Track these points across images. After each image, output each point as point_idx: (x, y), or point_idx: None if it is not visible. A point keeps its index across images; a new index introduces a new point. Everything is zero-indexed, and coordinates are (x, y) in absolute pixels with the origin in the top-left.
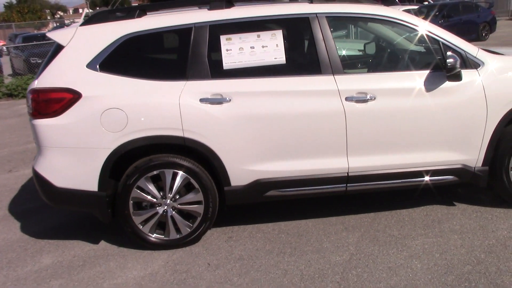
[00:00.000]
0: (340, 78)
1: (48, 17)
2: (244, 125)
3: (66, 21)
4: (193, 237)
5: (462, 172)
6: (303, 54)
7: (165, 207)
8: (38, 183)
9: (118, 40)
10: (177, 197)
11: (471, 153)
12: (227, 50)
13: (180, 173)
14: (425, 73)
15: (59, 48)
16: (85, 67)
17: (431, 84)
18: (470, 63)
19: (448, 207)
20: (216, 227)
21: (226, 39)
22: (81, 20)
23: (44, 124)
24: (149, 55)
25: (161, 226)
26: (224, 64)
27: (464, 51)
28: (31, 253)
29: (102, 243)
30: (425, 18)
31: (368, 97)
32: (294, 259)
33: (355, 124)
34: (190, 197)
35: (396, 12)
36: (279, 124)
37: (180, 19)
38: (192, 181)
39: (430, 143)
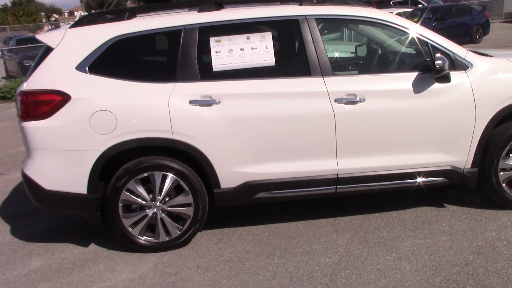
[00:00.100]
0: (329, 80)
1: (43, 20)
2: (233, 127)
3: (62, 24)
4: (183, 239)
5: (451, 174)
6: (292, 56)
7: (155, 210)
8: (27, 185)
9: (108, 42)
10: (167, 200)
11: (460, 155)
12: (216, 52)
13: (170, 175)
14: (414, 75)
15: (48, 50)
16: (74, 69)
17: (420, 86)
18: (459, 65)
19: (438, 208)
20: (207, 229)
21: (216, 41)
22: None
23: (33, 126)
24: (138, 57)
25: (151, 228)
26: (213, 66)
27: (453, 53)
28: (21, 256)
29: (92, 245)
30: (419, 21)
31: (357, 98)
32: (283, 261)
33: (345, 125)
34: (180, 199)
35: (385, 15)
36: (268, 126)
37: (169, 21)
38: (182, 183)
39: (419, 145)
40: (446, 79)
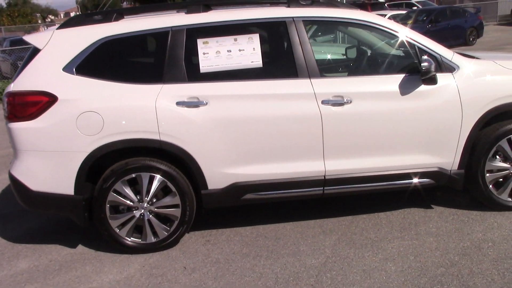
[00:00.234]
0: (316, 81)
1: (39, 21)
2: (221, 129)
3: (57, 25)
4: (171, 240)
5: (438, 175)
6: (280, 58)
7: (142, 211)
8: (14, 187)
9: (95, 43)
10: (154, 201)
11: (447, 156)
12: (204, 53)
13: (157, 176)
14: (401, 76)
15: (35, 51)
16: (61, 70)
17: (406, 88)
18: (446, 67)
19: (425, 210)
20: (195, 230)
21: (203, 43)
22: None
23: (20, 127)
24: (126, 58)
25: (138, 229)
26: (201, 68)
27: (439, 55)
28: (8, 258)
29: (80, 247)
30: (413, 23)
31: (344, 100)
32: (270, 262)
33: (332, 127)
34: (167, 200)
35: (372, 17)
36: (256, 128)
37: (157, 22)
38: (169, 184)
39: (406, 146)
40: (432, 81)
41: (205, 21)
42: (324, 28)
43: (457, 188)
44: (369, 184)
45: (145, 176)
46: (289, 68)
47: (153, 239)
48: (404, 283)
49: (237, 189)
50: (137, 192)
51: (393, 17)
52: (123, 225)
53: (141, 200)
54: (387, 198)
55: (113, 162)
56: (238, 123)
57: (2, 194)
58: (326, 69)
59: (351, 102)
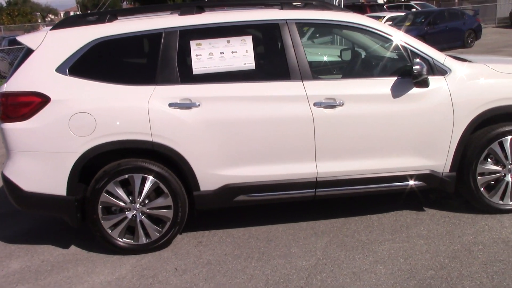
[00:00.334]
0: (308, 84)
1: (39, 20)
2: (213, 130)
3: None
4: (163, 241)
5: (429, 178)
6: (272, 60)
7: (134, 212)
8: (6, 187)
9: (88, 44)
10: (146, 202)
11: (439, 159)
12: (196, 55)
13: (149, 177)
14: (393, 79)
15: (29, 52)
16: (54, 71)
17: (398, 91)
18: (438, 70)
19: (417, 212)
20: (187, 231)
21: (196, 44)
22: None
23: (12, 128)
24: (118, 59)
25: (130, 230)
26: (193, 69)
27: (432, 58)
28: (0, 258)
29: (72, 247)
30: (411, 25)
31: (336, 102)
32: (261, 264)
33: (324, 129)
34: (159, 201)
35: (365, 20)
36: (248, 129)
37: (150, 24)
38: (161, 185)
39: (397, 149)
40: (424, 84)
41: (198, 23)
42: (321, 30)
43: (448, 191)
44: (360, 187)
45: (137, 177)
46: (282, 70)
47: (145, 240)
48: (393, 286)
49: (229, 191)
50: (129, 193)
51: (392, 19)
52: (115, 226)
53: (133, 201)
54: (379, 201)
55: (105, 163)
56: (230, 124)
57: None
58: (320, 71)
59: (343, 104)
